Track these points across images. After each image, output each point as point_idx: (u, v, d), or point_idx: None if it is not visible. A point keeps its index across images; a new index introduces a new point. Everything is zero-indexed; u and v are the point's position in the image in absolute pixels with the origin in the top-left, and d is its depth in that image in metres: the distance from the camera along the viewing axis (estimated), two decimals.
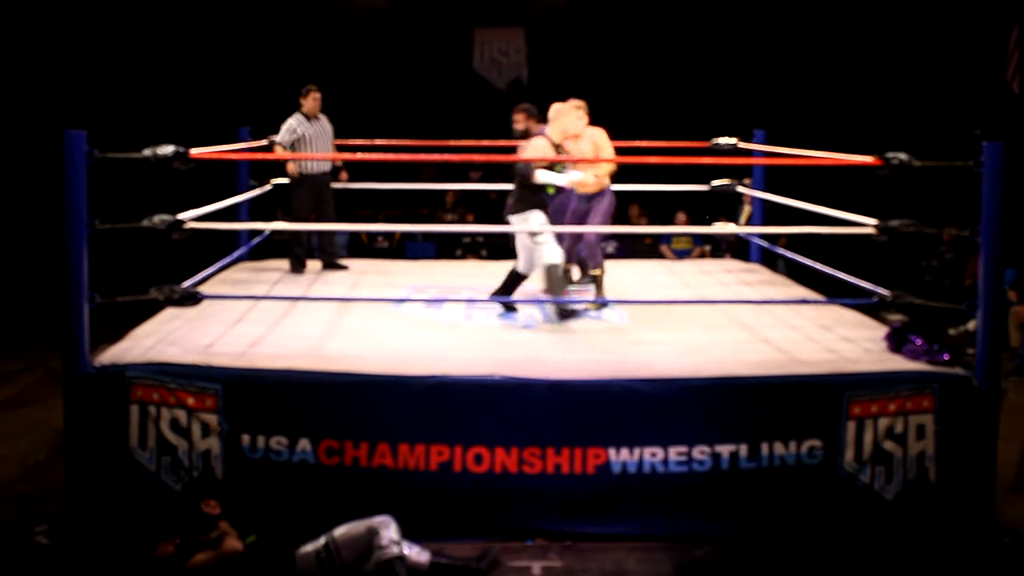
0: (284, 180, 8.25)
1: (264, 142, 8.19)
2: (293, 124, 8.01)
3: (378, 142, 8.40)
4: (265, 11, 12.74)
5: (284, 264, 8.14)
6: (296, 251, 8.08)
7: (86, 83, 11.79)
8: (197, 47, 12.38)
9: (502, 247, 11.59)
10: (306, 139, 7.99)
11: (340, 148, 8.33)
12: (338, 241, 8.64)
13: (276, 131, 8.18)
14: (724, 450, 5.27)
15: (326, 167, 8.13)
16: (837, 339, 6.01)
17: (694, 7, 13.01)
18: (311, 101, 8.04)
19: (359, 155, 8.25)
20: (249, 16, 12.65)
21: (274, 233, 8.78)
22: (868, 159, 5.79)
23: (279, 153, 7.99)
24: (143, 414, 5.24)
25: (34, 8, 11.76)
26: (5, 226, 11.13)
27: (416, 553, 4.85)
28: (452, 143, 8.25)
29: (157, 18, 12.29)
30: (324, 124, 8.15)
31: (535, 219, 6.43)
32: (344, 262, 8.44)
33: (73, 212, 5.20)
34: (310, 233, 8.47)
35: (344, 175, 8.51)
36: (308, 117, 8.04)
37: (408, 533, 4.88)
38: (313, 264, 8.28)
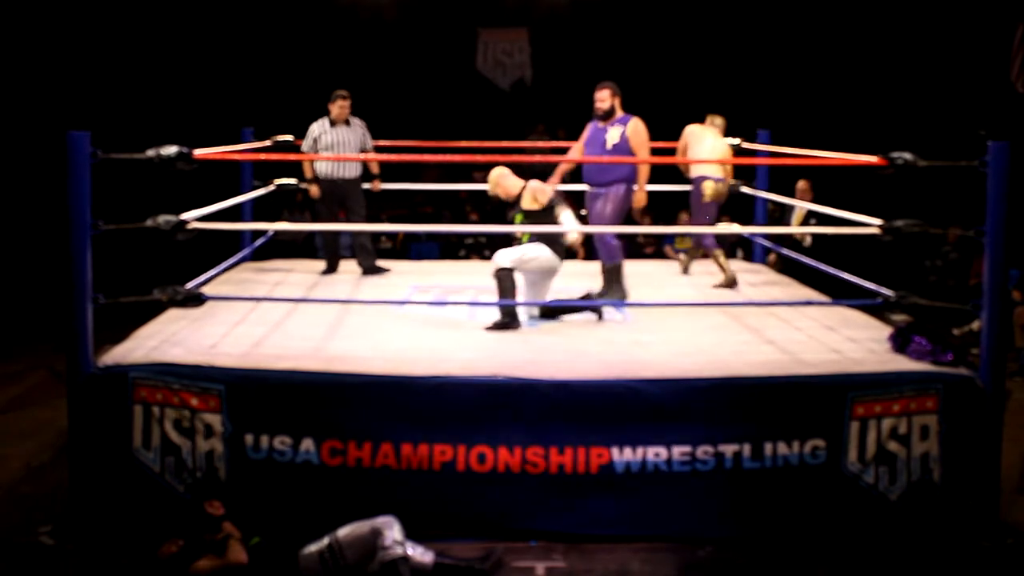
0: (292, 181, 8.28)
1: (268, 143, 8.19)
2: (313, 128, 8.04)
3: (381, 143, 8.40)
4: (268, 12, 12.75)
5: (287, 264, 8.12)
6: (326, 254, 8.15)
7: (90, 84, 11.80)
8: (200, 48, 12.39)
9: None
10: (325, 144, 7.96)
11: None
12: (342, 242, 8.58)
13: (279, 132, 8.26)
14: (728, 450, 5.26)
15: (347, 172, 8.01)
16: (841, 339, 6.00)
17: (698, 7, 12.99)
18: (336, 107, 8.01)
19: (360, 156, 8.23)
20: (252, 17, 12.66)
21: (278, 234, 8.76)
22: (873, 159, 5.78)
23: (296, 155, 8.00)
24: (147, 415, 5.25)
25: (37, 9, 11.77)
26: (9, 227, 11.15)
27: (420, 553, 4.84)
28: (456, 144, 8.24)
29: (161, 19, 12.30)
30: (352, 130, 8.06)
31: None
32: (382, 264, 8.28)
33: (77, 213, 5.20)
34: (337, 235, 8.31)
35: (377, 183, 8.29)
36: (333, 123, 8.02)
37: (411, 533, 4.88)
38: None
